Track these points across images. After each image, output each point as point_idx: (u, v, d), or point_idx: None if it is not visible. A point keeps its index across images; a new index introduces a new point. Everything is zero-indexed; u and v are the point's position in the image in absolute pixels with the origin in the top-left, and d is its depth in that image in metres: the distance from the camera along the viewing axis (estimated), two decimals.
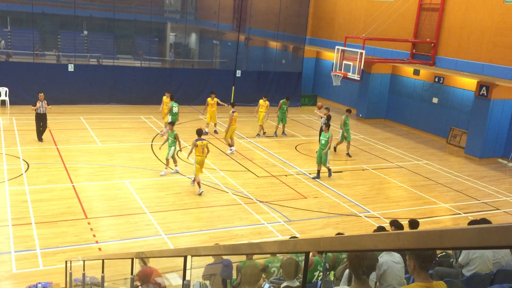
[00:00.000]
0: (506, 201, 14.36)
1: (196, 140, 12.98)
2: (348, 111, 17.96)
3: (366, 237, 1.77)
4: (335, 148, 17.85)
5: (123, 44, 32.78)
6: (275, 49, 28.70)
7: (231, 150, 16.79)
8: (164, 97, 18.80)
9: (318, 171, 14.93)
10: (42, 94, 16.43)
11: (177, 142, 13.96)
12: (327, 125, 15.23)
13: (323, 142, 14.74)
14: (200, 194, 12.80)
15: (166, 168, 14.28)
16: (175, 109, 17.82)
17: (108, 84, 23.05)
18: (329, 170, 15.13)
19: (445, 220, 12.76)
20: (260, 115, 19.29)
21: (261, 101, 19.33)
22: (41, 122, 16.41)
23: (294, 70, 26.99)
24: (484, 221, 7.29)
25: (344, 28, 24.03)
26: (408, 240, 1.55)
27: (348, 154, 17.66)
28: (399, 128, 23.30)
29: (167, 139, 14.14)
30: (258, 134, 19.57)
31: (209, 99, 19.11)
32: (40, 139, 16.41)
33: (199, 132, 13.35)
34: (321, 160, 14.74)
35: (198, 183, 12.97)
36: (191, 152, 13.44)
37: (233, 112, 16.86)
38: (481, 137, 18.46)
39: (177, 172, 14.34)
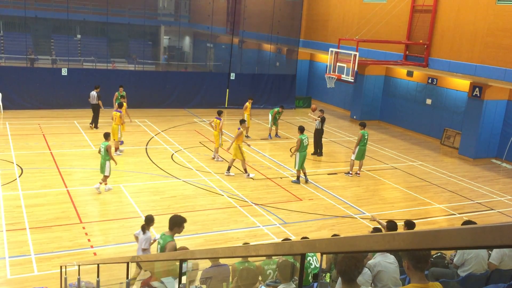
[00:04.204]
0: (500, 201, 14.43)
1: (115, 110, 16.41)
2: (362, 124, 15.67)
3: (362, 238, 1.78)
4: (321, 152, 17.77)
5: (117, 48, 32.73)
6: (269, 51, 28.74)
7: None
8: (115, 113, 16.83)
9: (304, 174, 14.75)
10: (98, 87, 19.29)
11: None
12: (301, 128, 14.60)
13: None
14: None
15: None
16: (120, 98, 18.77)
17: (102, 88, 22.95)
18: (298, 176, 14.59)
19: (439, 220, 12.80)
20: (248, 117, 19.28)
21: (247, 104, 19.42)
22: (93, 112, 19.14)
23: (288, 73, 27.04)
24: (469, 223, 7.36)
25: (338, 30, 24.12)
26: (404, 240, 1.55)
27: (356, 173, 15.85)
28: (393, 130, 23.38)
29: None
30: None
31: (247, 103, 19.36)
32: (91, 125, 19.18)
33: (120, 105, 16.52)
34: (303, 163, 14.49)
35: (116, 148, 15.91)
36: (114, 119, 16.12)
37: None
38: (475, 138, 18.55)
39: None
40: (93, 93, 19.16)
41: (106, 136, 13.05)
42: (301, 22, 27.11)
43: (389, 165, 17.39)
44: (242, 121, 15.45)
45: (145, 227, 8.33)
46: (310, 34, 27.13)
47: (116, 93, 19.32)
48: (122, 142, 16.86)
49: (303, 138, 14.28)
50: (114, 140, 15.77)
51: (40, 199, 12.09)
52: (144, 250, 8.20)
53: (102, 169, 12.76)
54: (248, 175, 14.78)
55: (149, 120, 21.24)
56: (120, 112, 16.05)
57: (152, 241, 8.31)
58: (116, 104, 17.38)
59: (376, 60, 21.09)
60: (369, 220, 12.20)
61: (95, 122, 19.31)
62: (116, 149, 15.95)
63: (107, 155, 12.64)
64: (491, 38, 16.75)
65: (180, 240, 10.55)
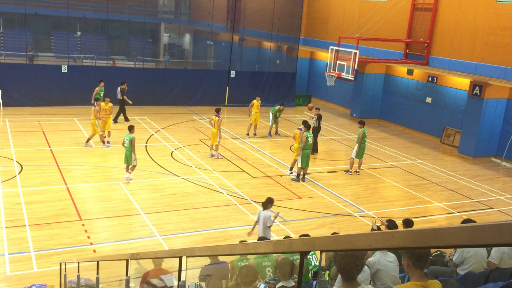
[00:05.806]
0: (500, 200, 14.44)
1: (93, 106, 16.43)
2: (361, 122, 15.81)
3: (361, 236, 1.78)
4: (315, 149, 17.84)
5: (117, 45, 32.73)
6: (269, 49, 28.72)
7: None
8: (103, 104, 16.81)
9: (303, 174, 14.76)
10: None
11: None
12: (307, 125, 14.60)
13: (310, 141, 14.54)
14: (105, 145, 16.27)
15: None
16: (101, 93, 18.99)
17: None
18: (298, 174, 14.69)
19: (439, 219, 12.81)
20: (255, 115, 19.40)
21: (254, 101, 19.44)
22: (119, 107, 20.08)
23: (288, 71, 27.01)
24: (469, 222, 7.36)
25: (338, 28, 24.09)
26: (403, 239, 1.55)
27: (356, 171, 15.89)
28: (393, 128, 23.38)
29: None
30: (254, 133, 19.66)
31: (254, 101, 19.41)
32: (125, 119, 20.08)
33: (96, 99, 16.79)
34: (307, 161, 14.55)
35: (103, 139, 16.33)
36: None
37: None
38: (475, 136, 18.55)
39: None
40: (118, 89, 19.99)
41: (130, 128, 13.61)
42: (301, 20, 27.07)
43: (389, 164, 17.39)
44: (305, 122, 15.10)
45: (264, 205, 9.23)
46: (310, 32, 27.09)
47: (97, 88, 19.35)
48: (108, 142, 16.71)
49: (308, 135, 14.31)
50: (96, 134, 16.38)
51: (39, 196, 12.10)
52: (269, 227, 9.13)
53: (128, 160, 13.44)
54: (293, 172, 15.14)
55: (149, 118, 21.23)
56: (94, 106, 16.22)
57: (273, 218, 9.20)
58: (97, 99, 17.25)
59: (376, 58, 21.07)
60: (368, 219, 12.20)
61: (124, 116, 20.25)
62: (103, 142, 16.55)
63: (131, 146, 13.28)
64: (491, 36, 16.73)
65: (179, 237, 10.57)
